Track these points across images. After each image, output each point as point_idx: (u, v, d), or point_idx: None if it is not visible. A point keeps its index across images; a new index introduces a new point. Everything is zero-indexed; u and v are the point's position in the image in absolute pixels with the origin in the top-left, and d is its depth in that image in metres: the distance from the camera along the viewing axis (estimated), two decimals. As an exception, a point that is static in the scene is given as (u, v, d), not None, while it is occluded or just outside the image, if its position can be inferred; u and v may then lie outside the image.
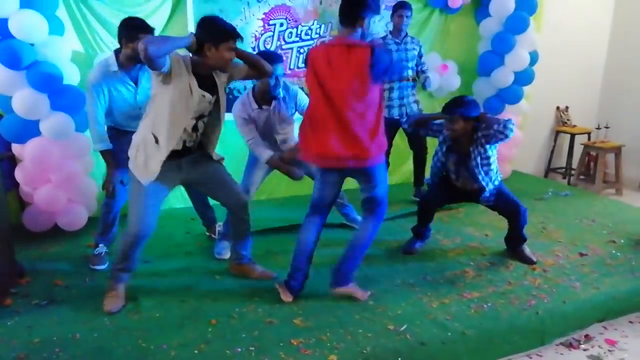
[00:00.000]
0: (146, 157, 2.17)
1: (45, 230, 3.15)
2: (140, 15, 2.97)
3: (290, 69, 3.92)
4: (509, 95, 4.34)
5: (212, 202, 2.95)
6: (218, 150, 2.48)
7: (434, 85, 3.96)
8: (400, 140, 4.02)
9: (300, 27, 3.88)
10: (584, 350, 2.33)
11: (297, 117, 2.96)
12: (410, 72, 3.71)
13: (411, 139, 3.85)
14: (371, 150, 2.21)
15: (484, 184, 2.78)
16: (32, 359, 1.95)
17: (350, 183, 2.64)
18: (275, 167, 2.80)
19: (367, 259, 2.50)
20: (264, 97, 2.75)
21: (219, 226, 3.07)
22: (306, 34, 3.92)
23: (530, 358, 2.27)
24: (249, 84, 3.23)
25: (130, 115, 2.61)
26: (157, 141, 2.15)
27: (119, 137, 2.61)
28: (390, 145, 3.68)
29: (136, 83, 2.60)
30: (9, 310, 2.29)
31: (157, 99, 2.15)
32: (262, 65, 2.35)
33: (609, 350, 2.33)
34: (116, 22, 3.26)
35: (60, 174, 2.99)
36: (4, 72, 2.77)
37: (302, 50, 3.92)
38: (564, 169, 5.30)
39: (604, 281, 2.64)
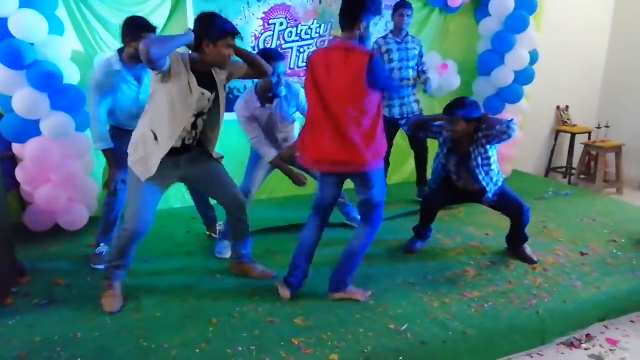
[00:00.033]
0: (145, 154, 2.17)
1: (46, 230, 3.15)
2: (139, 14, 2.96)
3: (290, 68, 3.91)
4: (509, 95, 4.34)
5: (213, 201, 2.95)
6: (218, 150, 2.49)
7: (434, 85, 3.95)
8: (401, 139, 4.02)
9: (300, 26, 3.88)
10: (585, 349, 2.33)
11: (299, 117, 2.97)
12: (411, 72, 3.71)
13: (412, 139, 3.85)
14: (366, 157, 2.19)
15: (484, 184, 2.78)
16: (33, 358, 1.95)
17: (351, 183, 2.64)
18: (278, 167, 2.81)
19: (367, 258, 2.50)
20: (266, 95, 2.75)
21: (220, 225, 3.07)
22: (306, 34, 3.92)
23: (532, 357, 2.27)
24: (249, 83, 3.25)
25: (133, 115, 2.61)
26: (156, 138, 2.15)
27: (120, 137, 2.61)
28: (390, 145, 3.68)
29: (139, 82, 2.60)
30: (10, 310, 2.29)
31: (156, 96, 2.15)
32: (261, 64, 2.35)
33: (610, 350, 2.33)
34: (116, 22, 3.30)
35: (61, 173, 2.99)
36: (4, 71, 2.77)
37: (302, 50, 3.92)
38: (564, 169, 5.30)
39: (605, 280, 2.64)
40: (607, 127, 5.00)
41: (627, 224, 3.50)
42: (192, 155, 2.34)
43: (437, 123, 2.95)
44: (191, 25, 2.28)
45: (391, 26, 3.82)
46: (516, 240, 2.95)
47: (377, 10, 2.21)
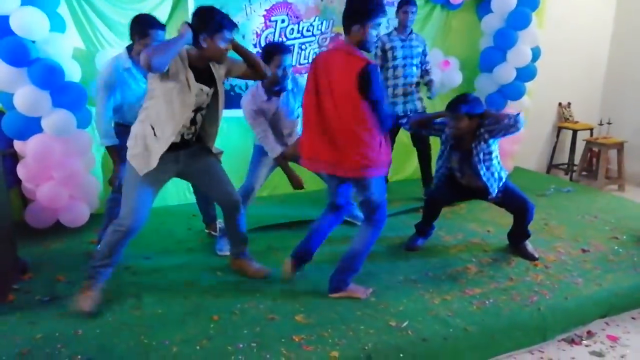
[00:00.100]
0: (145, 149, 2.16)
1: (47, 227, 3.16)
2: (141, 11, 2.96)
3: (292, 65, 3.91)
4: (511, 92, 4.33)
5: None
6: (220, 147, 2.49)
7: (436, 84, 3.94)
8: (405, 137, 4.01)
9: (301, 23, 3.87)
10: (586, 346, 2.33)
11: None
12: (414, 70, 3.69)
13: (414, 137, 3.83)
14: (355, 162, 2.16)
15: (484, 179, 2.77)
16: (35, 354, 1.95)
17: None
18: (281, 164, 2.80)
19: (369, 255, 2.49)
20: (273, 88, 2.74)
21: (220, 223, 3.06)
22: (307, 30, 3.91)
23: (532, 354, 2.27)
24: (251, 81, 3.23)
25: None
26: (155, 134, 2.15)
27: (125, 133, 2.60)
28: (393, 142, 3.67)
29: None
30: (11, 306, 2.30)
31: (154, 92, 2.14)
32: (260, 66, 2.35)
33: (611, 347, 2.33)
34: (118, 19, 3.30)
35: (62, 170, 2.99)
36: (5, 69, 2.77)
37: (303, 47, 3.91)
38: (566, 165, 5.29)
39: (606, 277, 2.64)
40: (609, 123, 4.98)
41: (629, 221, 3.49)
42: (191, 151, 2.33)
43: (438, 120, 2.94)
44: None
45: (393, 23, 3.81)
46: (518, 237, 2.94)
47: (381, 12, 2.15)
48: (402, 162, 4.40)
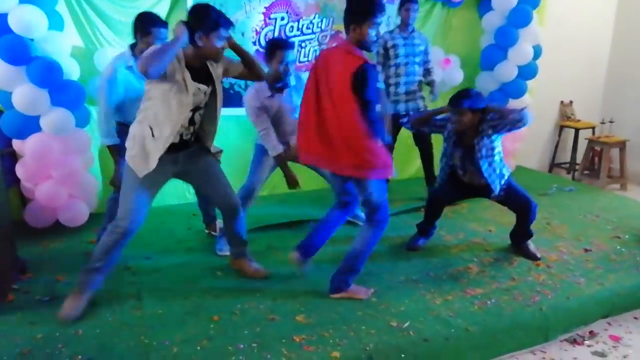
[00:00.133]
0: (143, 150, 2.14)
1: (46, 226, 3.15)
2: (139, 9, 2.94)
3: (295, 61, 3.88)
4: (513, 90, 4.32)
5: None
6: (220, 147, 2.47)
7: (437, 84, 3.93)
8: (408, 136, 3.98)
9: (301, 21, 3.85)
10: (588, 346, 2.32)
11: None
12: (417, 68, 3.67)
13: (415, 136, 3.81)
14: (345, 161, 2.15)
15: (486, 175, 2.75)
16: (35, 354, 1.95)
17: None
18: (280, 163, 2.79)
19: (370, 255, 2.48)
20: (276, 84, 2.72)
21: (220, 223, 3.05)
22: (307, 28, 3.89)
23: (534, 354, 2.26)
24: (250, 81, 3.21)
25: None
26: (153, 135, 2.13)
27: (127, 133, 2.59)
28: (394, 141, 3.65)
29: None
30: (11, 306, 2.29)
31: (151, 93, 2.12)
32: (257, 67, 2.34)
33: (613, 347, 2.32)
34: (116, 17, 3.28)
35: (61, 169, 2.98)
36: (4, 67, 2.76)
37: (303, 45, 3.89)
38: (568, 164, 5.27)
39: (608, 277, 2.63)
40: (611, 122, 4.97)
41: (631, 220, 3.48)
42: (190, 152, 2.31)
43: (439, 117, 2.93)
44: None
45: (393, 21, 3.79)
46: (520, 237, 2.93)
47: (379, 11, 2.13)
48: (403, 162, 4.38)
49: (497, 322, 2.22)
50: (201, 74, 2.18)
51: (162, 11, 3.38)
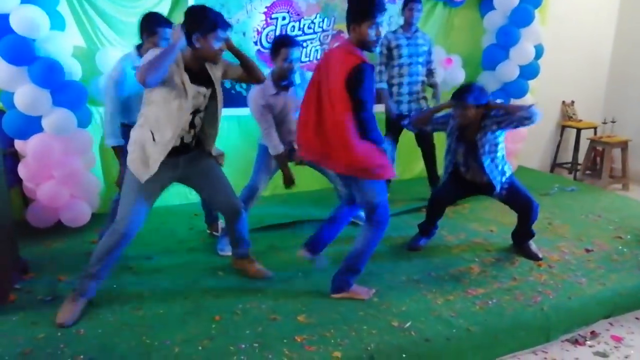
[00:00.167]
0: (144, 154, 2.13)
1: (48, 227, 3.15)
2: (140, 9, 2.95)
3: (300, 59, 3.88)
4: (514, 89, 4.31)
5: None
6: (222, 149, 2.47)
7: (440, 86, 3.92)
8: (411, 136, 3.98)
9: (302, 20, 3.85)
10: (590, 346, 2.31)
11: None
12: (420, 68, 3.66)
13: (417, 137, 3.80)
14: (341, 160, 2.15)
15: (488, 171, 2.75)
16: (37, 354, 1.95)
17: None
18: (280, 163, 2.78)
19: (371, 255, 2.48)
20: (281, 82, 2.72)
21: (222, 223, 3.06)
22: (309, 28, 3.89)
23: (536, 354, 2.25)
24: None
25: None
26: (154, 139, 2.12)
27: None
28: (396, 141, 3.65)
29: None
30: (13, 306, 2.29)
31: (151, 97, 2.12)
32: (256, 69, 2.33)
33: (615, 347, 2.31)
34: (117, 17, 3.28)
35: (63, 169, 2.98)
36: (6, 67, 2.76)
37: (305, 44, 3.89)
38: (570, 164, 5.27)
39: (610, 277, 2.62)
40: (613, 122, 4.96)
41: (633, 220, 3.47)
42: (191, 156, 2.30)
43: (440, 114, 2.92)
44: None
45: (395, 20, 3.78)
46: (522, 237, 2.93)
47: (378, 11, 2.12)
48: (406, 162, 4.37)
49: (499, 322, 2.22)
50: (200, 77, 2.17)
51: (163, 11, 3.37)
